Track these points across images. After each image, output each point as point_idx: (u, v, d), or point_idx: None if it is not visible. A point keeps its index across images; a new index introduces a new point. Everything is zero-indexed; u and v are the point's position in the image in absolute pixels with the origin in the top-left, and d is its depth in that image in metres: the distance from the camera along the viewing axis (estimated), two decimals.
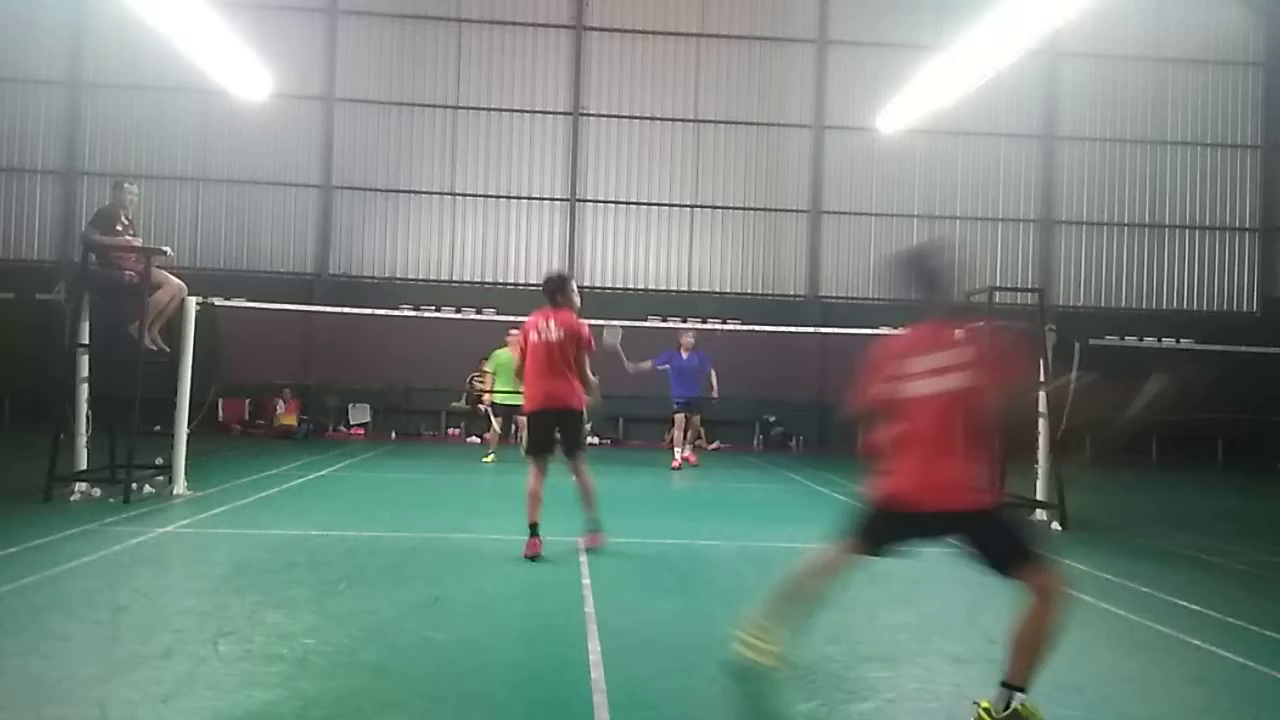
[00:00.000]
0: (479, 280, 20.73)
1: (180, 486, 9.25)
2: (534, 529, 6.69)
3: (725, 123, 21.13)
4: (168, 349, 9.36)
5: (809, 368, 19.21)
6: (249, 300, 11.83)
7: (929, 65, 15.10)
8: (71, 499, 8.49)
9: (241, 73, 15.24)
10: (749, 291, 21.04)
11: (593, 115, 20.99)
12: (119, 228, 9.02)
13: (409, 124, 20.78)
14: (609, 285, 20.81)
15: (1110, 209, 21.46)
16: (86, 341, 8.98)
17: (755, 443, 20.38)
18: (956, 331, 3.67)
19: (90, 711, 3.44)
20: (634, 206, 21.03)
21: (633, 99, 21.04)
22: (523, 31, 20.91)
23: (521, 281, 20.46)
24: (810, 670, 4.28)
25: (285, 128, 20.18)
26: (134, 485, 8.80)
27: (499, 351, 14.11)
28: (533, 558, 6.57)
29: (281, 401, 19.07)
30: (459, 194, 20.80)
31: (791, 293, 21.08)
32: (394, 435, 19.51)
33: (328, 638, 4.48)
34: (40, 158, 20.10)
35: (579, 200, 20.90)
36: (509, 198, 20.86)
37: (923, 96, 15.97)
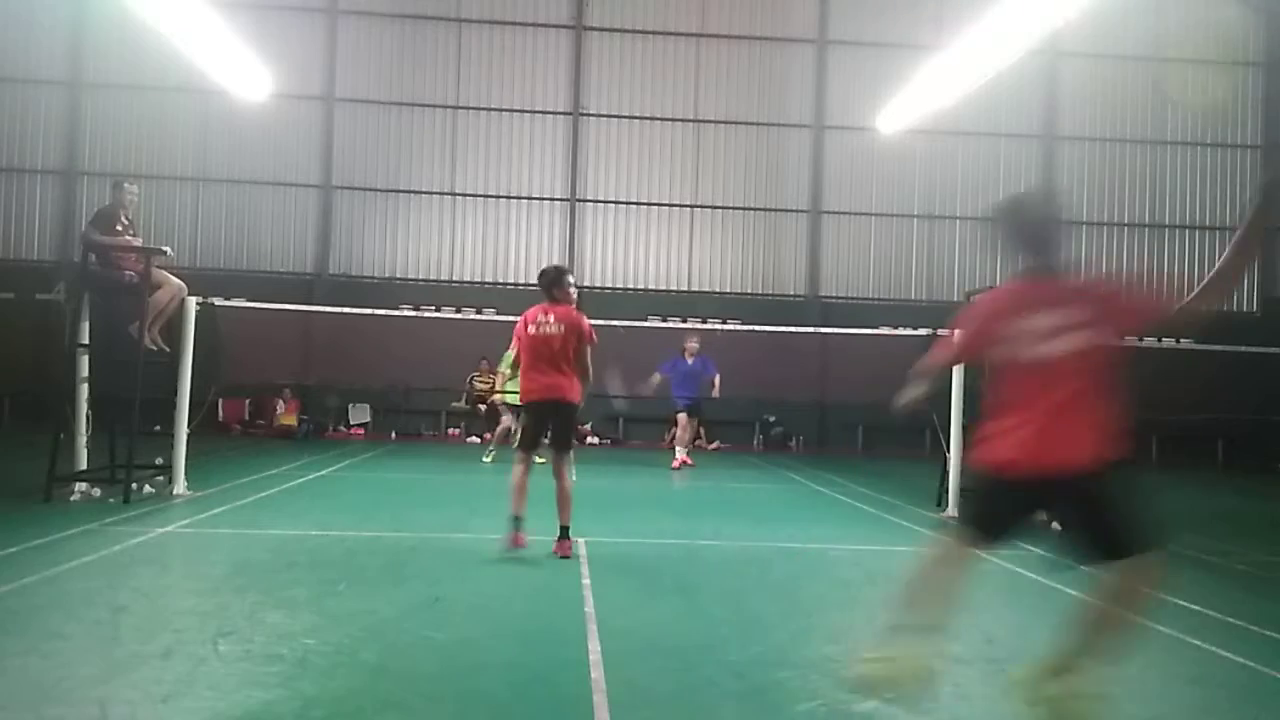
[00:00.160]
0: (479, 280, 20.73)
1: (180, 486, 9.25)
2: (518, 522, 6.62)
3: (725, 123, 21.14)
4: (168, 349, 9.36)
5: (809, 368, 19.21)
6: (249, 300, 11.83)
7: (929, 65, 15.10)
8: (71, 499, 8.48)
9: (241, 73, 15.25)
10: (749, 291, 21.04)
11: (593, 115, 20.99)
12: (119, 228, 9.02)
13: (409, 124, 20.79)
14: (609, 285, 20.81)
15: (1110, 209, 21.45)
16: (86, 341, 8.97)
17: (755, 443, 20.38)
18: (1071, 286, 3.43)
19: (90, 711, 3.44)
20: (634, 206, 21.03)
21: (633, 99, 21.04)
22: (523, 31, 20.92)
23: (521, 281, 20.45)
24: (810, 670, 4.27)
25: (285, 128, 20.18)
26: (134, 485, 8.79)
27: (510, 353, 14.04)
28: (515, 550, 6.52)
29: (281, 401, 19.07)
30: (459, 194, 20.81)
31: (791, 293, 21.09)
32: (394, 435, 19.51)
33: (328, 638, 4.48)
34: (40, 158, 20.10)
35: (579, 200, 20.90)
36: (509, 198, 20.86)
37: (923, 96, 15.98)
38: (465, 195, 20.82)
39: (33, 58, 19.85)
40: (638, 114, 21.04)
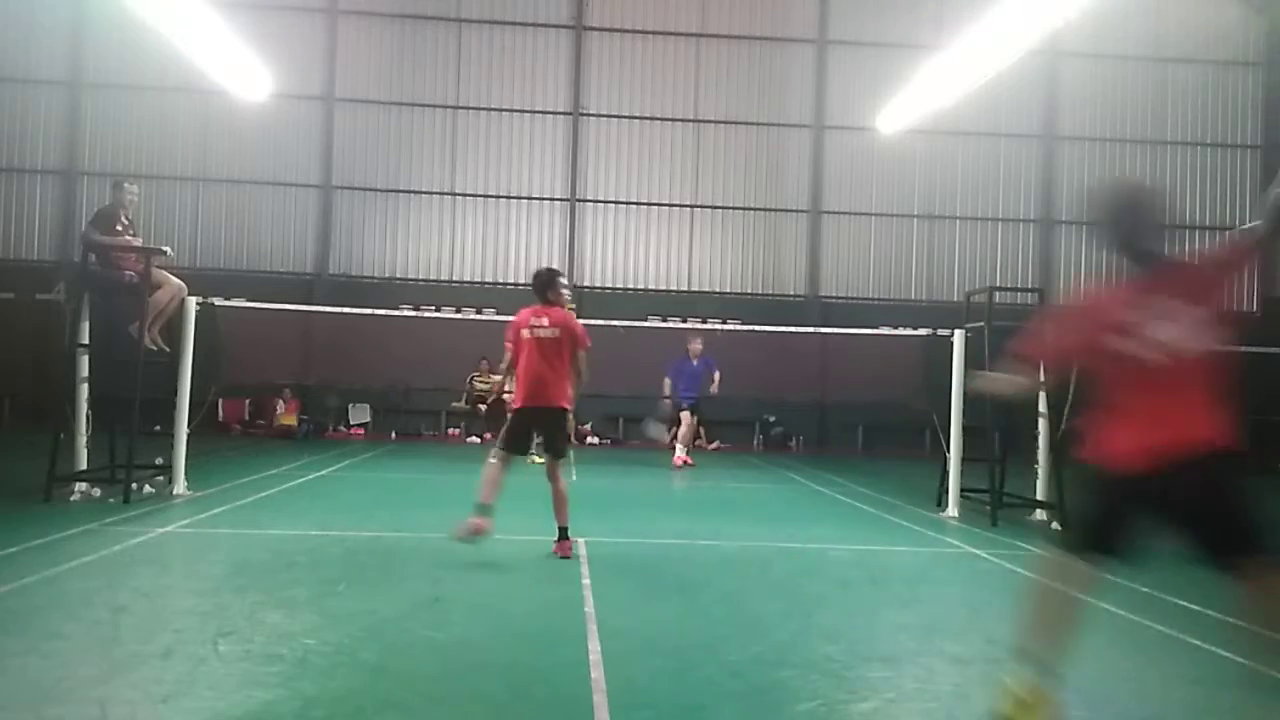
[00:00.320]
0: (479, 280, 20.73)
1: (180, 486, 9.25)
2: (484, 509, 6.52)
3: (725, 123, 21.13)
4: (168, 349, 9.36)
5: (809, 368, 19.19)
6: (249, 300, 11.83)
7: (929, 65, 15.09)
8: (71, 499, 8.49)
9: (241, 73, 15.24)
10: (749, 291, 21.04)
11: (593, 115, 20.98)
12: (119, 228, 9.03)
13: (409, 124, 20.78)
14: (609, 285, 20.81)
15: None
16: (86, 341, 8.97)
17: (755, 443, 20.38)
18: (1174, 276, 3.35)
19: (90, 711, 3.44)
20: (634, 206, 21.03)
21: (633, 99, 21.04)
22: (523, 31, 20.91)
23: (522, 282, 20.41)
24: (810, 670, 4.27)
25: (285, 128, 20.17)
26: (134, 485, 8.80)
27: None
28: (466, 538, 6.42)
29: (281, 401, 19.07)
30: (459, 194, 20.80)
31: (791, 293, 21.08)
32: (394, 435, 19.50)
33: (328, 638, 4.48)
34: (40, 158, 20.09)
35: (579, 200, 20.90)
36: (509, 198, 20.85)
37: (923, 96, 15.97)
38: (465, 195, 20.81)
39: (33, 58, 19.83)
40: (638, 114, 21.04)
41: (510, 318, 7.18)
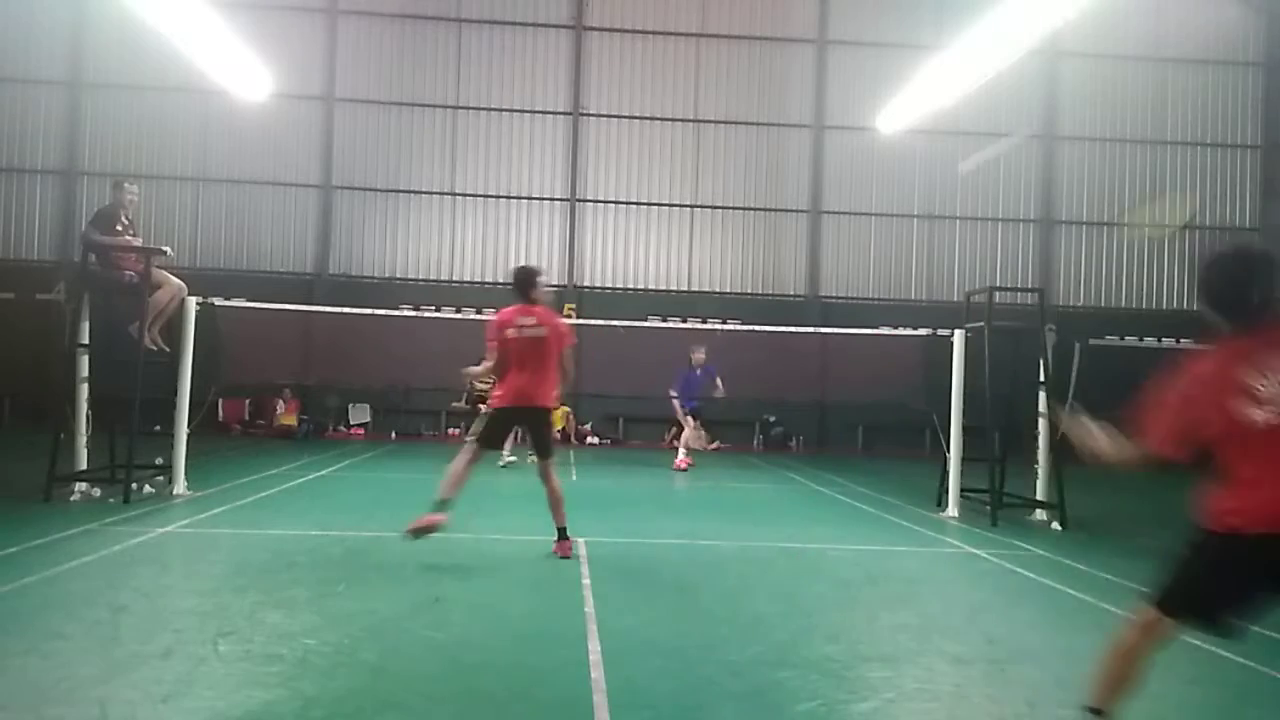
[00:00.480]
0: (479, 280, 20.72)
1: (180, 486, 9.25)
2: (444, 505, 6.48)
3: (725, 123, 21.13)
4: (168, 349, 9.36)
5: (809, 368, 19.18)
6: (249, 300, 11.82)
7: (929, 65, 15.09)
8: (71, 499, 8.49)
9: (241, 73, 15.24)
10: (749, 291, 21.04)
11: (593, 115, 20.98)
12: (119, 228, 9.02)
13: (409, 124, 20.78)
14: (609, 285, 20.81)
15: (1110, 209, 21.43)
16: (86, 341, 8.97)
17: (755, 443, 20.38)
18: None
19: (90, 711, 3.44)
20: (634, 206, 21.03)
21: (633, 99, 21.04)
22: (523, 31, 20.91)
23: None
24: (810, 670, 4.27)
25: (285, 128, 20.17)
26: (134, 485, 8.80)
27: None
28: (420, 533, 6.38)
29: (281, 401, 19.08)
30: (459, 194, 20.80)
31: (791, 293, 21.08)
32: (394, 435, 19.51)
33: (328, 638, 4.48)
34: (40, 158, 20.09)
35: (579, 200, 20.90)
36: (509, 198, 20.85)
37: (923, 96, 15.96)
38: (465, 195, 20.81)
39: (33, 58, 19.84)
40: (638, 114, 21.04)
41: None
